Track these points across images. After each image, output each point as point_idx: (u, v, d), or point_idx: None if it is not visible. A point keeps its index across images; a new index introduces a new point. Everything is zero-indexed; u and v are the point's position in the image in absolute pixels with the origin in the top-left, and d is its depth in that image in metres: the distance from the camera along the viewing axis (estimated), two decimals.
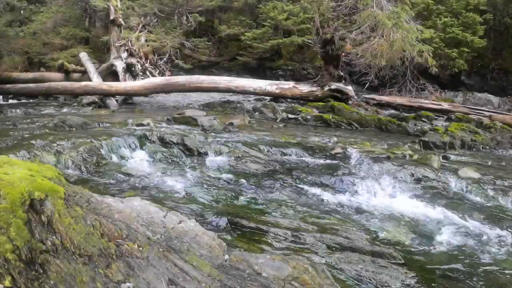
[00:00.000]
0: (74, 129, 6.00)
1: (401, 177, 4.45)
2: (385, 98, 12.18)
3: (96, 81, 11.25)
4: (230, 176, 4.43)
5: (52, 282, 1.50)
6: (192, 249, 2.04)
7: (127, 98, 10.97)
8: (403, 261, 2.70)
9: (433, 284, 2.48)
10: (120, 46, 12.54)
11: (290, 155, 5.25)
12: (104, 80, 11.62)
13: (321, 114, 8.55)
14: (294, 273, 2.06)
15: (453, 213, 3.65)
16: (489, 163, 5.55)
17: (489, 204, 4.00)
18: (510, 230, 3.36)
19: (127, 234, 1.91)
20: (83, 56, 13.54)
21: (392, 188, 4.21)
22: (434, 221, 3.49)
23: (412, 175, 4.51)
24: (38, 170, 1.91)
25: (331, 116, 8.35)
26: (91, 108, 9.46)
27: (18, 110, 8.47)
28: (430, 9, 13.78)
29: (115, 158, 4.86)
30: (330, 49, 10.11)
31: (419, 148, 6.17)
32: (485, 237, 3.20)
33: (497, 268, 2.73)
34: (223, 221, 3.09)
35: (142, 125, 6.46)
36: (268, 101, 10.52)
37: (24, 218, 1.58)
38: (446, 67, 13.24)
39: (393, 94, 13.08)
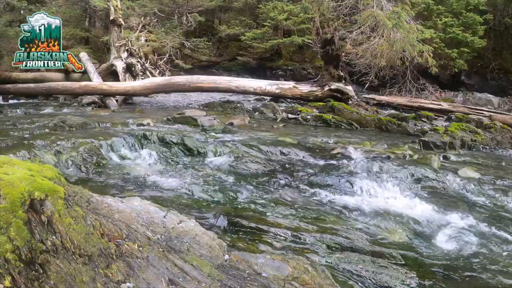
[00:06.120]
0: (74, 129, 6.00)
1: (401, 177, 4.45)
2: (385, 98, 12.18)
3: (96, 81, 11.24)
4: (230, 176, 4.42)
5: (52, 282, 1.50)
6: (192, 249, 2.04)
7: (127, 98, 10.96)
8: (403, 261, 2.70)
9: (433, 284, 2.47)
10: (120, 46, 12.53)
11: (290, 155, 5.25)
12: (104, 80, 11.60)
13: (321, 114, 8.55)
14: (294, 273, 2.06)
15: (453, 213, 3.64)
16: (489, 163, 5.55)
17: (489, 204, 4.00)
18: (510, 230, 3.36)
19: (127, 234, 1.91)
20: (83, 56, 13.51)
21: (392, 188, 4.21)
22: (434, 221, 3.49)
23: (412, 175, 4.51)
24: (38, 170, 1.91)
25: (331, 116, 8.35)
26: (91, 108, 9.45)
27: (18, 110, 8.46)
28: (431, 9, 13.77)
29: (115, 158, 4.86)
30: (330, 49, 10.10)
31: (419, 148, 6.17)
32: (485, 237, 3.20)
33: (497, 268, 2.73)
34: (223, 221, 3.09)
35: (142, 125, 6.46)
36: (268, 101, 10.51)
37: (24, 218, 1.57)
38: (446, 67, 13.24)
39: (393, 94, 13.06)
